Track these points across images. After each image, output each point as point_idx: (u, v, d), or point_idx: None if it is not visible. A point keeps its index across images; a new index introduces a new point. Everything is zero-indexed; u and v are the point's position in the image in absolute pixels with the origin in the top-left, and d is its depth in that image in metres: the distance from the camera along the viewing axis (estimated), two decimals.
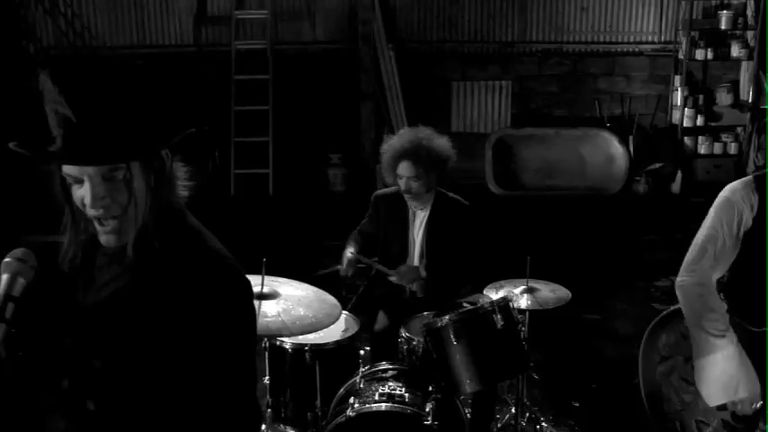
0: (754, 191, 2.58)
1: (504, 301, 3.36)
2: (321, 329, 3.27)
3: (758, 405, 2.54)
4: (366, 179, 8.94)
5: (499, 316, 3.26)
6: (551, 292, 3.73)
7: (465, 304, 3.61)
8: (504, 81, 9.19)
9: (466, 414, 3.66)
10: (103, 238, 1.66)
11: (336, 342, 3.64)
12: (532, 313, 3.72)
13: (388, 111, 9.01)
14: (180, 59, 8.60)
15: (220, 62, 8.34)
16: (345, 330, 3.71)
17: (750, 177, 2.63)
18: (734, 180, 2.70)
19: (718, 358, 2.57)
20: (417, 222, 3.94)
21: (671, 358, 2.83)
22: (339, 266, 3.91)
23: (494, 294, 3.71)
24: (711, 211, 2.66)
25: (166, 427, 1.70)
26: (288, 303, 3.24)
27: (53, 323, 1.71)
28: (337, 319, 3.35)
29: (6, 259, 1.50)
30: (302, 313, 3.19)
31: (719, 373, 2.54)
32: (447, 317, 3.27)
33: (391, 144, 3.96)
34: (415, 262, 3.92)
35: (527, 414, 4.03)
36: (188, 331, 1.63)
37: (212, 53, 8.61)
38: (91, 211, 1.61)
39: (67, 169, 1.61)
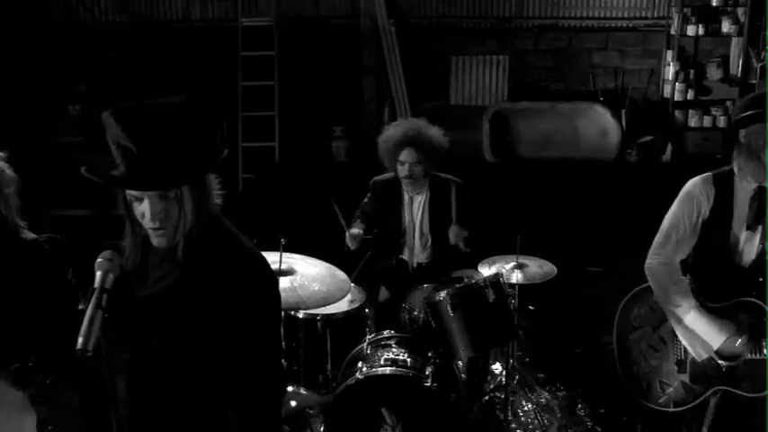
0: (712, 186, 2.96)
1: (496, 278, 3.75)
2: (333, 303, 3.66)
3: (741, 345, 2.93)
4: (368, 150, 9.25)
5: (491, 291, 3.66)
6: (539, 268, 4.10)
7: (461, 279, 3.98)
8: (502, 56, 9.43)
9: (461, 377, 4.08)
10: (156, 241, 2.02)
11: (345, 312, 4.04)
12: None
13: (389, 84, 9.28)
14: (187, 35, 8.86)
15: (227, 38, 8.59)
16: (353, 301, 4.09)
17: (710, 174, 3.01)
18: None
19: (690, 319, 2.97)
20: (416, 206, 4.26)
21: (641, 328, 3.22)
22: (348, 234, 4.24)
23: (486, 270, 4.08)
24: (675, 202, 3.05)
25: (212, 391, 2.08)
26: (303, 279, 3.62)
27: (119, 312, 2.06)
28: (348, 293, 3.75)
29: (99, 259, 1.86)
30: (316, 288, 3.57)
31: (699, 329, 2.93)
32: (444, 291, 3.67)
33: (391, 133, 4.26)
34: (416, 242, 4.26)
35: (516, 376, 4.44)
36: (228, 315, 2.01)
37: (219, 29, 8.86)
38: (149, 224, 1.97)
39: (131, 192, 1.97)
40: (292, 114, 8.77)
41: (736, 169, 2.95)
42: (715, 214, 2.96)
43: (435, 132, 4.21)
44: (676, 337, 3.09)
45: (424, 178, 4.19)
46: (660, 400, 3.12)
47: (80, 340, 1.72)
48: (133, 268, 2.09)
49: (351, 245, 4.22)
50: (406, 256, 4.32)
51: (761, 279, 2.94)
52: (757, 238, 2.94)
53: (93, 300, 1.78)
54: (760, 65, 8.71)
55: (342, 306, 4.01)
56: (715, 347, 2.96)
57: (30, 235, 2.71)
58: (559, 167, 8.70)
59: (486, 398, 4.32)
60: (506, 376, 4.25)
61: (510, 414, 4.21)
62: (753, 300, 2.92)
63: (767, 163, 2.82)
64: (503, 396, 4.25)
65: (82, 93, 8.63)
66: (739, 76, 9.10)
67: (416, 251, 4.30)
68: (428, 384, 3.55)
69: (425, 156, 4.11)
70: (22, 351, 2.67)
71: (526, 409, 4.31)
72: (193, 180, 1.98)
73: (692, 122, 9.31)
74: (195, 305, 2.02)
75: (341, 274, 3.79)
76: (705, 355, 2.99)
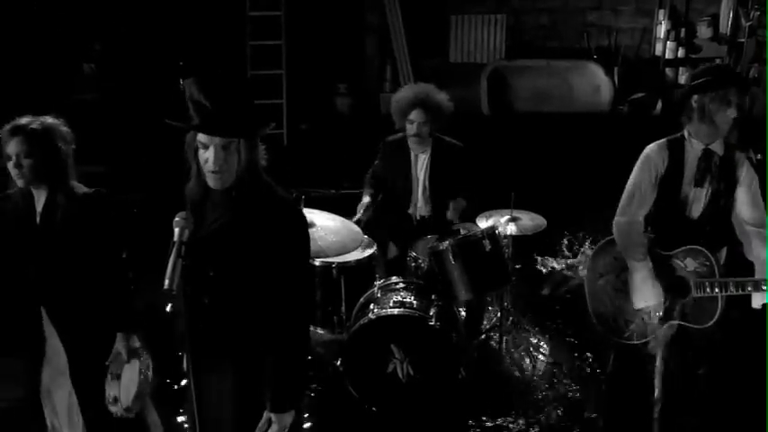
0: (666, 150, 3.43)
1: (492, 230, 4.22)
2: (349, 252, 4.14)
3: (660, 313, 3.43)
4: (370, 107, 9.65)
5: (487, 241, 4.13)
6: (531, 221, 4.56)
7: (461, 231, 4.44)
8: (499, 15, 9.77)
9: (461, 318, 4.59)
10: (212, 183, 2.50)
11: (357, 261, 4.51)
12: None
13: (391, 43, 9.64)
14: None
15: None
16: (364, 251, 4.56)
17: (664, 140, 3.46)
18: None
19: (639, 276, 3.46)
20: (420, 164, 4.69)
21: (606, 275, 3.69)
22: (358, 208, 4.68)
23: (484, 223, 4.54)
24: (636, 166, 3.51)
25: (258, 312, 2.58)
26: (322, 231, 4.09)
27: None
28: (360, 243, 4.22)
29: (176, 218, 2.33)
30: (334, 239, 4.05)
31: (640, 285, 3.43)
32: (447, 242, 4.14)
33: (403, 95, 4.67)
34: (419, 197, 4.70)
35: (510, 318, 4.95)
36: (271, 248, 2.51)
37: None
38: (210, 167, 2.45)
39: (201, 138, 2.44)
40: (299, 72, 9.13)
41: (686, 134, 3.40)
42: (669, 174, 3.43)
43: (443, 97, 4.61)
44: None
45: (429, 138, 4.59)
46: (625, 335, 3.61)
47: (166, 282, 2.21)
48: (193, 209, 2.53)
49: (362, 216, 4.64)
50: (411, 210, 4.76)
51: (707, 228, 3.43)
52: (704, 193, 3.41)
53: (174, 250, 2.26)
54: (748, 24, 8.97)
55: (354, 255, 4.47)
56: (637, 307, 3.47)
57: (82, 188, 3.14)
58: (554, 122, 9.08)
59: (483, 337, 4.82)
60: (501, 318, 4.76)
61: (504, 351, 4.73)
62: (699, 247, 3.41)
63: (720, 126, 3.29)
64: (497, 335, 4.76)
65: (97, 52, 8.94)
66: (728, 34, 9.44)
67: (420, 205, 4.73)
68: (432, 324, 4.06)
69: (432, 117, 4.51)
70: (93, 300, 3.12)
71: (518, 346, 4.83)
72: (248, 136, 2.47)
73: (682, 80, 9.60)
74: (244, 241, 2.51)
75: (354, 227, 4.27)
76: (637, 306, 3.49)
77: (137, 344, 3.15)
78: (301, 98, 9.17)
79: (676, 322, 3.46)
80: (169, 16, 9.03)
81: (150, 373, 3.18)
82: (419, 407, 4.16)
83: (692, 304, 3.41)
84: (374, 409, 4.18)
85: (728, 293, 3.31)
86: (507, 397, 4.36)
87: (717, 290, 3.32)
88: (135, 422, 3.26)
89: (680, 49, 9.54)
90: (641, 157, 3.51)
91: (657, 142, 3.49)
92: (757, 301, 3.29)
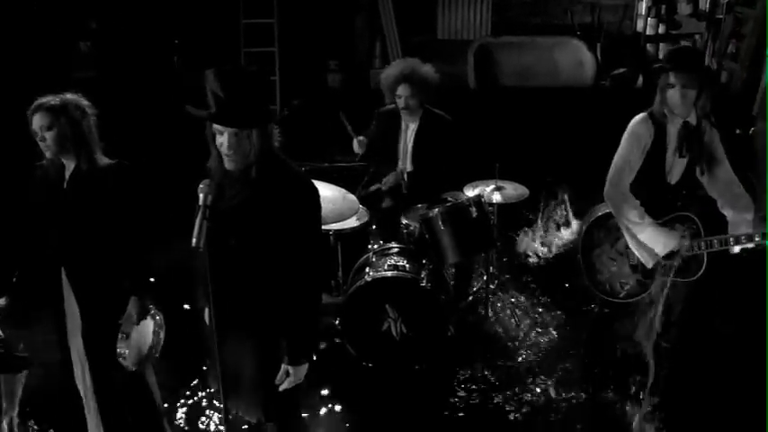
0: (651, 122, 3.73)
1: (478, 198, 4.55)
2: (346, 219, 4.46)
3: (687, 244, 3.72)
4: (361, 82, 9.91)
5: (474, 209, 4.46)
6: (514, 190, 4.88)
7: (449, 199, 4.76)
8: None
9: (450, 281, 4.93)
10: (227, 165, 2.78)
11: (353, 228, 4.82)
12: None
13: (381, 20, 9.87)
14: None
15: None
16: (360, 219, 4.87)
17: (646, 114, 3.76)
18: None
19: (645, 235, 3.76)
20: (409, 132, 4.96)
21: (601, 246, 4.05)
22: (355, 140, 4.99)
23: (471, 192, 4.85)
24: (624, 140, 3.78)
25: (275, 276, 2.89)
26: (321, 200, 4.38)
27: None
28: (356, 212, 4.54)
29: (201, 186, 2.63)
30: (332, 207, 4.35)
31: (653, 240, 3.73)
32: (436, 209, 4.46)
33: (390, 72, 4.94)
34: (407, 162, 4.98)
35: (495, 281, 5.29)
36: (286, 218, 2.80)
37: None
38: (225, 151, 2.74)
39: (216, 126, 2.72)
40: (291, 49, 9.37)
41: (666, 110, 3.71)
42: (655, 144, 3.74)
43: (428, 69, 4.88)
44: (629, 248, 3.91)
45: (419, 108, 4.86)
46: (621, 296, 3.99)
47: (194, 240, 2.52)
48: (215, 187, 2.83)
49: (358, 150, 4.95)
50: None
51: (684, 192, 3.77)
52: (684, 161, 3.73)
53: (200, 213, 2.57)
54: (726, 1, 9.27)
55: (351, 223, 4.78)
56: (668, 251, 3.73)
57: (105, 159, 3.35)
58: (539, 96, 9.34)
59: (470, 298, 5.17)
60: (487, 281, 5.11)
61: (490, 311, 5.08)
62: (685, 213, 3.74)
63: (671, 104, 3.61)
64: (484, 297, 5.11)
65: (93, 30, 9.12)
66: (707, 11, 9.71)
67: (407, 168, 5.04)
68: (423, 285, 4.39)
69: (419, 90, 4.78)
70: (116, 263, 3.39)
71: (503, 307, 5.18)
72: (258, 126, 2.75)
73: (663, 55, 9.97)
74: (261, 213, 2.81)
75: (351, 197, 4.57)
76: (652, 262, 3.81)
77: (149, 306, 3.41)
78: (294, 74, 9.41)
79: (670, 279, 3.81)
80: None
81: (162, 334, 3.47)
82: (411, 362, 4.51)
83: (680, 264, 3.76)
84: (370, 365, 4.52)
85: (713, 250, 3.66)
86: (492, 352, 4.71)
87: (704, 247, 3.66)
88: (136, 381, 3.51)
89: (660, 25, 9.77)
90: (628, 131, 3.78)
91: (641, 116, 3.76)
92: (734, 249, 3.65)
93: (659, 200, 3.80)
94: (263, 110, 2.77)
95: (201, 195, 2.61)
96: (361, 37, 9.98)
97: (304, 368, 2.99)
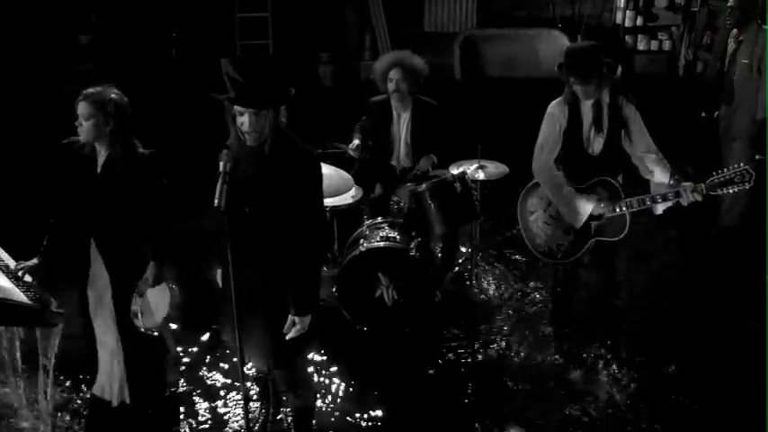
0: (565, 105, 4.22)
1: (462, 175, 4.97)
2: (341, 195, 4.87)
3: (603, 206, 4.21)
4: (351, 74, 10.29)
5: (458, 184, 4.88)
6: (495, 168, 5.30)
7: (436, 176, 5.15)
8: None
9: (437, 253, 5.35)
10: (249, 141, 3.18)
11: (348, 204, 5.20)
12: None
13: (370, 13, 10.25)
14: None
15: None
16: (354, 196, 5.26)
17: (561, 98, 4.25)
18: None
19: (568, 202, 4.24)
20: (402, 122, 5.34)
21: (536, 212, 4.53)
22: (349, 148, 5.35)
23: (455, 170, 5.25)
24: (543, 121, 4.31)
25: (283, 238, 3.29)
26: None
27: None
28: (351, 188, 4.95)
29: (221, 155, 3.02)
30: (328, 183, 4.71)
31: (575, 205, 4.21)
32: (424, 184, 4.88)
33: (383, 59, 5.32)
34: (401, 150, 5.37)
35: (479, 254, 5.72)
36: (293, 189, 3.21)
37: None
38: (246, 129, 3.14)
39: (237, 108, 3.12)
40: (284, 42, 9.74)
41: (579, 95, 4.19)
42: (570, 123, 4.24)
43: (418, 60, 5.26)
44: (560, 213, 4.36)
45: (408, 96, 5.23)
46: (558, 256, 4.47)
47: (216, 201, 2.93)
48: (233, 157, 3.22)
49: (354, 155, 5.34)
50: (393, 162, 5.46)
51: (606, 161, 4.23)
52: (601, 134, 4.20)
53: (221, 177, 2.98)
54: None
55: (346, 200, 5.17)
56: (588, 214, 4.24)
57: (140, 148, 3.72)
58: (522, 86, 9.73)
59: (456, 269, 5.60)
60: (472, 253, 5.53)
61: (474, 281, 5.51)
62: (606, 178, 4.22)
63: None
64: (469, 267, 5.54)
65: (93, 24, 9.46)
66: (683, 4, 10.16)
67: (402, 158, 5.41)
68: (413, 254, 4.81)
69: (409, 75, 5.15)
70: (142, 240, 3.78)
71: (487, 277, 5.63)
72: (274, 107, 3.15)
73: (641, 46, 10.35)
74: (273, 183, 3.22)
75: (345, 174, 4.97)
76: (581, 222, 4.27)
77: (166, 273, 3.77)
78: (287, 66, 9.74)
79: (596, 239, 4.30)
80: None
81: (178, 297, 3.86)
82: (402, 325, 4.92)
83: (606, 223, 4.25)
84: (365, 328, 4.94)
85: (633, 209, 4.15)
86: (475, 316, 5.15)
87: (624, 208, 4.15)
88: (158, 340, 3.92)
89: (638, 17, 10.20)
90: (546, 114, 4.32)
91: (557, 100, 4.30)
92: (658, 210, 4.14)
93: (583, 169, 4.29)
94: (278, 92, 3.17)
95: (221, 163, 3.02)
96: (351, 30, 10.35)
97: (308, 319, 3.40)
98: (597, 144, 4.25)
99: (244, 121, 3.14)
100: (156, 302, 3.80)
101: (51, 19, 9.03)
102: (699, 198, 3.98)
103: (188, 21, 9.41)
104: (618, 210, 4.20)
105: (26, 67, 8.53)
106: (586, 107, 4.21)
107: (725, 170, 3.96)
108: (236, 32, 9.50)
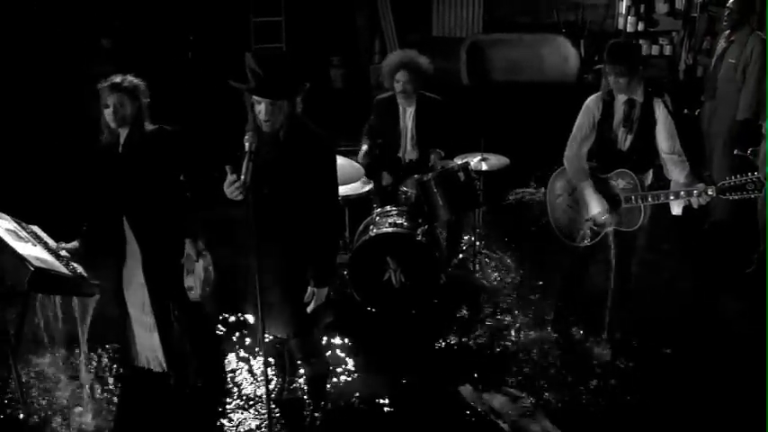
0: (601, 99, 4.50)
1: (466, 165, 5.31)
2: (353, 182, 5.21)
3: (604, 218, 4.51)
4: (361, 77, 10.61)
5: (462, 174, 5.22)
6: (497, 160, 5.64)
7: (441, 167, 5.49)
8: None
9: (443, 240, 5.68)
10: (265, 128, 3.51)
11: (358, 194, 5.56)
12: None
13: (379, 19, 10.58)
14: None
15: None
16: (364, 186, 5.61)
17: (599, 93, 4.52)
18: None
19: (585, 193, 4.54)
20: (407, 116, 5.65)
21: (563, 194, 4.80)
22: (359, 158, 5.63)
23: (459, 161, 5.59)
24: (580, 113, 4.58)
25: (301, 216, 3.62)
26: None
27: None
28: (362, 176, 5.29)
29: (246, 136, 3.35)
30: (340, 171, 5.05)
31: (588, 199, 4.49)
32: (430, 174, 5.22)
33: (390, 60, 5.65)
34: (408, 143, 5.70)
35: (482, 241, 6.05)
36: (309, 171, 3.54)
37: None
38: (262, 117, 3.47)
39: (254, 97, 3.46)
40: (297, 45, 10.08)
41: (613, 90, 4.47)
42: (603, 117, 4.52)
43: (423, 60, 5.58)
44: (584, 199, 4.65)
45: (414, 93, 5.54)
46: (576, 240, 4.73)
47: (243, 177, 3.27)
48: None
49: (363, 161, 5.63)
50: (400, 154, 5.77)
51: (634, 157, 4.51)
52: (630, 131, 4.46)
53: (247, 156, 3.32)
54: (700, 0, 9.99)
55: (356, 189, 5.52)
56: (589, 215, 4.53)
57: (150, 126, 4.04)
58: (527, 89, 10.04)
59: (460, 256, 5.93)
60: (475, 241, 5.86)
61: (477, 267, 5.84)
62: (626, 170, 4.48)
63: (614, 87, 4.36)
64: (472, 254, 5.86)
65: (115, 28, 9.81)
66: (683, 10, 10.37)
67: (408, 150, 5.71)
68: (419, 239, 5.14)
69: (415, 76, 5.46)
70: (163, 214, 4.07)
71: (489, 263, 5.96)
72: (290, 98, 3.49)
73: (642, 51, 10.65)
74: (288, 166, 3.55)
75: (356, 164, 5.32)
76: (591, 215, 4.55)
77: (201, 247, 4.09)
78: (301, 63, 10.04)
79: (612, 228, 4.56)
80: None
81: (212, 269, 4.19)
82: (409, 307, 5.25)
83: (624, 213, 4.50)
84: (374, 309, 5.27)
85: (647, 203, 4.41)
86: (478, 299, 5.49)
87: (640, 201, 4.41)
88: (196, 313, 4.24)
89: (640, 23, 10.37)
90: (583, 106, 4.59)
91: (595, 94, 4.57)
92: (675, 209, 4.40)
93: (613, 163, 4.55)
94: (292, 85, 3.51)
95: (247, 144, 3.36)
96: (361, 35, 10.66)
97: (324, 291, 3.74)
98: (626, 140, 4.51)
99: (261, 109, 3.47)
100: (199, 277, 4.10)
101: (77, 24, 9.39)
102: (709, 200, 4.24)
103: (205, 25, 9.76)
104: (633, 201, 4.43)
105: (50, 68, 8.92)
106: (619, 104, 4.46)
107: (739, 176, 4.13)
108: (252, 36, 9.83)
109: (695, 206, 4.29)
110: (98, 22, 9.58)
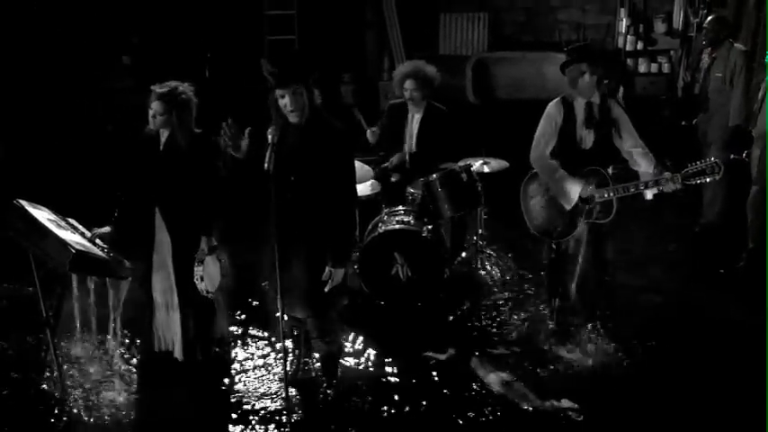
0: (561, 104, 4.86)
1: (468, 166, 5.69)
2: (363, 182, 5.58)
3: (590, 189, 4.77)
4: (371, 93, 11.00)
5: (464, 174, 5.60)
6: (497, 164, 6.02)
7: (447, 168, 5.83)
8: (482, 13, 11.20)
9: (447, 239, 6.03)
10: (292, 119, 3.93)
11: (367, 196, 5.91)
12: None
13: (388, 37, 10.99)
14: None
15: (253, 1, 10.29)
16: (373, 188, 5.98)
17: (560, 98, 4.88)
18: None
19: (561, 184, 4.85)
20: (414, 121, 6.01)
21: (536, 196, 5.10)
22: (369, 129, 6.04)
23: (463, 163, 5.96)
24: (542, 118, 4.93)
25: (322, 201, 3.99)
26: None
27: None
28: (371, 177, 5.67)
29: (269, 130, 3.76)
30: None
31: (567, 188, 4.84)
32: (435, 175, 5.59)
33: (400, 70, 6.04)
34: (412, 144, 6.02)
35: (485, 241, 6.40)
36: (330, 160, 3.94)
37: None
38: (288, 108, 3.89)
39: (278, 90, 3.87)
40: (308, 36, 10.41)
41: (574, 94, 4.82)
42: (566, 120, 4.86)
43: (431, 69, 5.95)
44: (555, 197, 4.94)
45: (422, 101, 5.91)
46: (554, 236, 5.03)
47: (266, 165, 3.67)
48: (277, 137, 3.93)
49: (371, 139, 6.01)
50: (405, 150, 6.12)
51: (596, 155, 4.81)
52: (592, 132, 4.79)
53: (269, 147, 3.72)
54: (696, 20, 10.30)
55: (365, 191, 5.88)
56: (577, 195, 4.83)
57: (196, 131, 4.37)
58: (530, 106, 10.35)
59: (464, 254, 6.29)
60: (477, 240, 6.22)
61: (479, 264, 6.20)
62: (596, 168, 4.79)
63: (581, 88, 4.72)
64: (475, 253, 6.22)
65: (134, 45, 10.23)
66: (680, 29, 10.69)
67: (412, 149, 6.09)
68: (425, 236, 5.50)
69: (422, 85, 5.83)
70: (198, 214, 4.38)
71: (491, 261, 6.32)
72: (304, 83, 3.90)
73: (641, 69, 10.84)
74: (312, 155, 3.95)
75: (366, 167, 5.71)
76: (573, 203, 4.85)
77: (214, 243, 4.38)
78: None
79: (586, 222, 4.88)
80: (197, 16, 10.28)
81: (227, 266, 4.53)
82: (415, 300, 5.59)
83: (596, 207, 4.82)
84: (382, 302, 5.62)
85: (619, 195, 4.73)
86: (480, 294, 5.84)
87: (612, 194, 4.74)
88: (212, 303, 4.56)
89: (639, 42, 10.77)
90: (545, 112, 4.94)
91: (555, 100, 4.93)
92: (647, 195, 4.72)
93: (576, 162, 4.87)
94: (303, 71, 3.96)
95: (270, 136, 3.77)
96: (371, 53, 11.08)
97: (341, 272, 4.11)
98: (588, 139, 4.84)
99: (286, 102, 3.89)
100: (211, 271, 4.42)
101: (98, 41, 9.80)
102: (678, 186, 4.57)
103: (221, 43, 10.16)
104: (606, 195, 4.74)
105: (73, 84, 9.36)
106: (579, 106, 4.81)
107: (697, 162, 4.54)
108: (265, 54, 10.17)
109: (668, 191, 4.60)
110: (118, 38, 9.98)
